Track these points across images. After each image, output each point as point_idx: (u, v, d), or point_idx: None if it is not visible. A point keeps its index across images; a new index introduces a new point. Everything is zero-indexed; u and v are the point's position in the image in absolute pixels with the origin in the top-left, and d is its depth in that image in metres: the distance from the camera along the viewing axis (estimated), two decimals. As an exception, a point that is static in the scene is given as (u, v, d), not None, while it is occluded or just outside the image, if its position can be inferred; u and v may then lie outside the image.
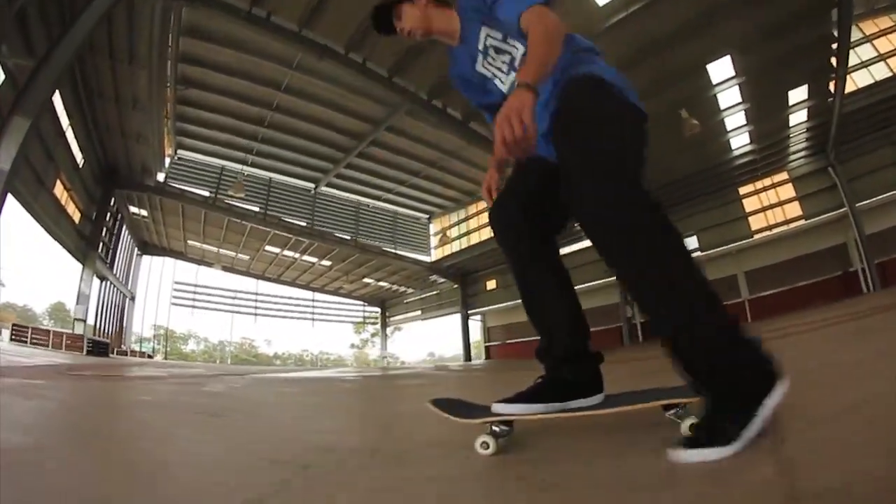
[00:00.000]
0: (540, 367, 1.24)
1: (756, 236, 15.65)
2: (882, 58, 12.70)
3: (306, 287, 26.02)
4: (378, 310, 28.65)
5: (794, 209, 15.08)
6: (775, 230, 15.31)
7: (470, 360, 21.27)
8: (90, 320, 15.76)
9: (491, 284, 21.72)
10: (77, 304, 14.85)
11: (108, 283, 18.02)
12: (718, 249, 15.96)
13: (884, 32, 12.97)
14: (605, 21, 9.54)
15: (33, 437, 1.32)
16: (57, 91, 10.13)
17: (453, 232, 20.98)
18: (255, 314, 25.60)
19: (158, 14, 9.55)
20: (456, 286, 22.74)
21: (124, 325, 20.96)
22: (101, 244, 15.81)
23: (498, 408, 1.14)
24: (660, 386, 1.22)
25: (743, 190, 16.00)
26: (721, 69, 11.37)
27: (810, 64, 10.73)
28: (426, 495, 0.84)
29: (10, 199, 9.64)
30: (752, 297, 15.17)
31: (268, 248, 20.82)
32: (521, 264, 1.26)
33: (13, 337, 12.20)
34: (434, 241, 22.35)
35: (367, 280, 24.56)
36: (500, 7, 1.18)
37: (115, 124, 13.38)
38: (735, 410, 0.86)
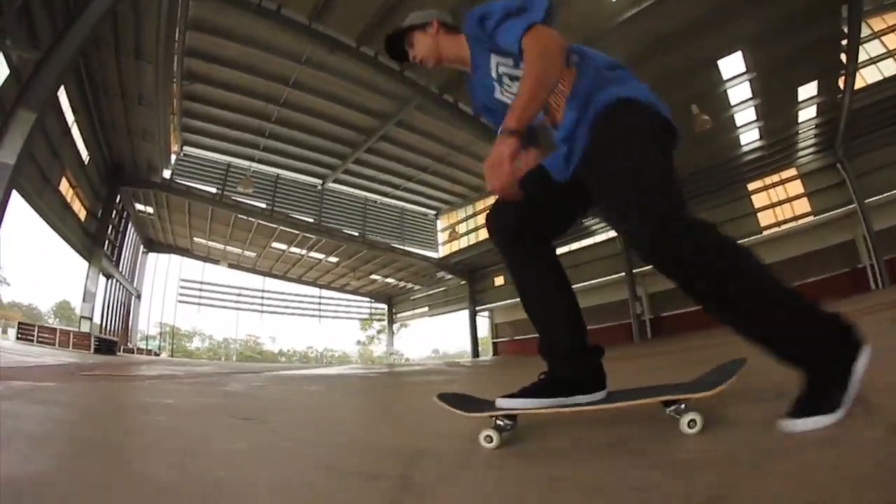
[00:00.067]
0: (544, 364, 1.25)
1: (765, 232, 15.44)
2: (891, 54, 12.46)
3: (313, 284, 25.75)
4: (385, 306, 28.38)
5: (803, 205, 14.90)
6: (784, 226, 15.09)
7: (478, 356, 21.01)
8: (96, 318, 15.48)
9: (499, 280, 21.51)
10: (83, 301, 14.57)
11: (114, 280, 17.72)
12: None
13: (892, 29, 12.71)
14: (616, 17, 9.39)
15: (53, 457, 1.06)
16: (62, 87, 9.87)
17: (462, 228, 20.71)
18: (262, 311, 25.31)
19: (165, 7, 9.25)
20: (464, 282, 22.47)
21: (130, 322, 20.67)
22: (106, 242, 15.52)
23: (502, 402, 1.16)
24: (663, 383, 1.22)
25: (752, 186, 15.80)
26: (732, 65, 11.19)
27: (820, 60, 10.62)
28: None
29: (15, 196, 9.41)
30: (759, 293, 14.85)
31: (274, 244, 20.52)
32: (517, 266, 1.28)
33: (19, 335, 11.90)
34: (442, 237, 22.04)
35: (374, 276, 24.28)
36: (500, 35, 1.16)
37: (120, 121, 13.06)
38: (833, 378, 0.91)
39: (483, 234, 19.98)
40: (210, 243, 21.24)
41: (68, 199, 12.70)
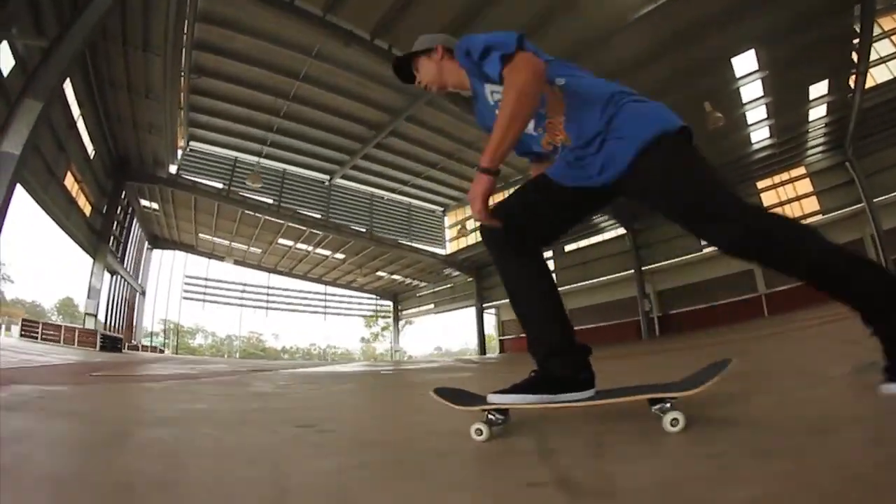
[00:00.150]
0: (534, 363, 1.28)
1: None
2: (901, 54, 12.32)
3: (318, 280, 25.33)
4: (390, 303, 27.97)
5: (812, 204, 14.74)
6: (793, 225, 14.81)
7: (485, 353, 20.63)
8: (101, 315, 15.06)
9: (507, 278, 21.00)
10: (88, 298, 14.17)
11: (119, 277, 17.29)
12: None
13: (903, 29, 12.57)
14: (634, 12, 9.15)
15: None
16: (68, 80, 9.48)
17: (470, 224, 20.32)
18: (267, 308, 24.86)
19: (175, -2, 8.84)
20: (470, 279, 22.07)
21: (134, 319, 20.24)
22: (111, 238, 15.09)
23: (493, 398, 1.19)
24: (661, 381, 1.24)
25: (761, 184, 15.57)
26: (745, 63, 11.01)
27: (831, 59, 10.49)
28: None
29: (19, 191, 9.01)
30: (768, 291, 14.65)
31: (281, 240, 20.10)
32: (509, 269, 1.31)
33: (23, 333, 11.47)
34: (449, 233, 21.61)
35: (380, 273, 23.86)
36: (486, 66, 1.19)
37: (126, 114, 12.66)
38: None
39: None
40: (215, 239, 20.82)
41: (73, 194, 12.31)
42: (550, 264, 19.65)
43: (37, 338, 11.43)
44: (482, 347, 21.23)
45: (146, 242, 21.08)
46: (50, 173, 10.62)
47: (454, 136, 14.53)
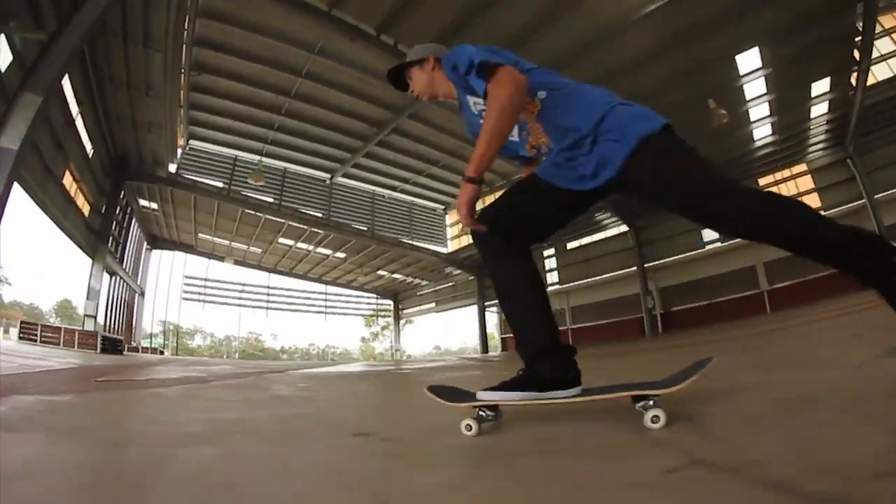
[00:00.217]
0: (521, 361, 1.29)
1: None
2: (902, 51, 12.29)
3: (319, 280, 24.96)
4: (391, 302, 27.62)
5: (813, 201, 14.62)
6: (795, 221, 14.72)
7: (487, 351, 20.36)
8: (100, 317, 14.67)
9: (509, 276, 20.79)
10: (87, 300, 13.78)
11: (118, 278, 16.89)
12: (738, 240, 15.31)
13: (904, 26, 12.55)
14: (639, 10, 8.99)
15: None
16: (67, 76, 9.15)
17: (471, 223, 20.04)
18: (267, 308, 24.47)
19: (177, -8, 8.54)
20: (472, 277, 21.76)
21: (134, 321, 19.81)
22: (110, 238, 14.70)
23: (483, 395, 1.23)
24: (641, 380, 1.28)
25: (763, 181, 15.48)
26: (749, 60, 10.92)
27: (834, 57, 10.45)
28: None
29: (17, 190, 8.67)
30: (770, 287, 14.53)
31: (281, 240, 19.74)
32: (498, 270, 1.33)
33: (22, 335, 11.07)
34: (450, 232, 21.31)
35: (381, 272, 23.53)
36: (471, 81, 1.22)
37: (125, 112, 12.30)
38: None
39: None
40: (215, 239, 20.44)
41: (72, 194, 11.95)
42: (552, 262, 19.87)
43: (36, 340, 11.05)
44: (484, 346, 20.96)
45: (145, 243, 20.67)
46: (48, 172, 10.27)
47: (457, 133, 14.26)
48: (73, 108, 10.75)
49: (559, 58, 10.01)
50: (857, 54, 10.21)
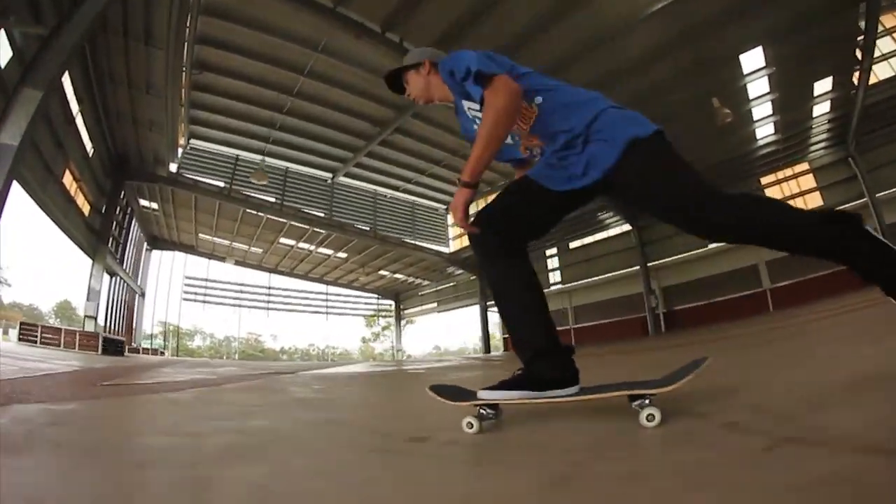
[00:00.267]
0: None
1: None
2: (903, 51, 12.24)
3: (320, 280, 24.67)
4: (392, 302, 27.35)
5: (815, 199, 14.54)
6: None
7: (489, 351, 20.12)
8: (100, 317, 14.38)
9: (511, 275, 20.59)
10: (87, 300, 13.49)
11: (118, 278, 16.59)
12: (736, 241, 15.25)
13: (906, 25, 12.50)
14: (645, 9, 8.88)
15: None
16: (67, 73, 8.92)
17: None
18: (268, 308, 24.17)
19: (179, -11, 8.32)
20: (473, 277, 21.48)
21: (134, 321, 19.50)
22: (111, 238, 14.42)
23: (483, 394, 1.24)
24: (639, 379, 1.27)
25: (765, 180, 15.37)
26: (753, 59, 10.85)
27: (836, 56, 10.41)
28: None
29: (17, 190, 8.41)
30: (773, 286, 14.42)
31: (283, 240, 19.47)
32: (495, 273, 1.32)
33: (21, 337, 10.78)
34: (452, 231, 21.07)
35: (382, 272, 23.27)
36: (468, 87, 1.23)
37: (126, 111, 12.05)
38: None
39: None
40: (216, 240, 20.16)
41: (72, 193, 11.69)
42: (555, 261, 19.69)
43: (36, 341, 10.76)
44: (486, 345, 20.73)
45: (145, 243, 20.39)
46: (48, 171, 10.03)
47: (459, 132, 14.07)
48: (74, 106, 10.51)
49: (565, 56, 9.86)
50: (859, 53, 10.15)
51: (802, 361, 2.06)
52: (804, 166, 14.79)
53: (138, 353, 16.73)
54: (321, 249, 20.36)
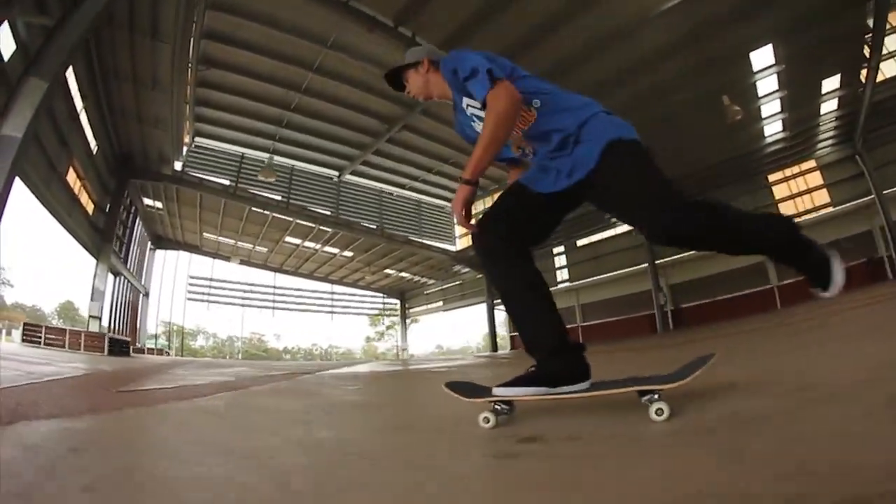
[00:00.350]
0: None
1: None
2: (911, 48, 12.07)
3: (325, 279, 24.25)
4: (397, 301, 26.92)
5: (823, 196, 14.32)
6: (804, 217, 14.44)
7: (496, 349, 19.76)
8: (104, 318, 13.94)
9: (519, 274, 20.27)
10: (92, 300, 13.07)
11: (122, 278, 16.15)
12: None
13: (913, 23, 12.34)
14: (658, 6, 8.71)
15: None
16: (71, 69, 8.53)
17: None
18: (273, 308, 23.71)
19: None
20: (480, 276, 21.08)
21: (138, 321, 19.04)
22: (115, 238, 13.99)
23: (498, 391, 1.26)
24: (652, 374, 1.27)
25: (772, 177, 15.17)
26: (762, 57, 10.72)
27: (844, 54, 10.29)
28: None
29: (20, 188, 8.03)
30: (780, 283, 14.18)
31: (288, 238, 19.05)
32: (502, 276, 1.32)
33: (25, 338, 10.35)
34: (459, 229, 20.68)
35: (388, 271, 22.89)
36: (471, 87, 1.27)
37: (131, 107, 11.65)
38: (827, 271, 1.25)
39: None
40: (220, 239, 19.75)
41: (76, 191, 11.28)
42: (562, 259, 19.37)
43: (39, 342, 10.33)
44: (493, 344, 20.36)
45: (149, 243, 19.94)
46: (52, 168, 9.64)
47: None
48: (78, 102, 10.12)
49: (576, 54, 9.67)
50: (867, 51, 10.03)
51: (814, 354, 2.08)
52: (811, 164, 14.61)
53: (143, 353, 16.27)
54: (327, 248, 19.97)
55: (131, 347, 13.71)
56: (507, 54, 1.58)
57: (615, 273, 17.21)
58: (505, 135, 1.22)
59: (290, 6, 9.40)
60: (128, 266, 16.50)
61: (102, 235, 13.18)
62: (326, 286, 24.89)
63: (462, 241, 20.63)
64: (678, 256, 15.83)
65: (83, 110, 10.48)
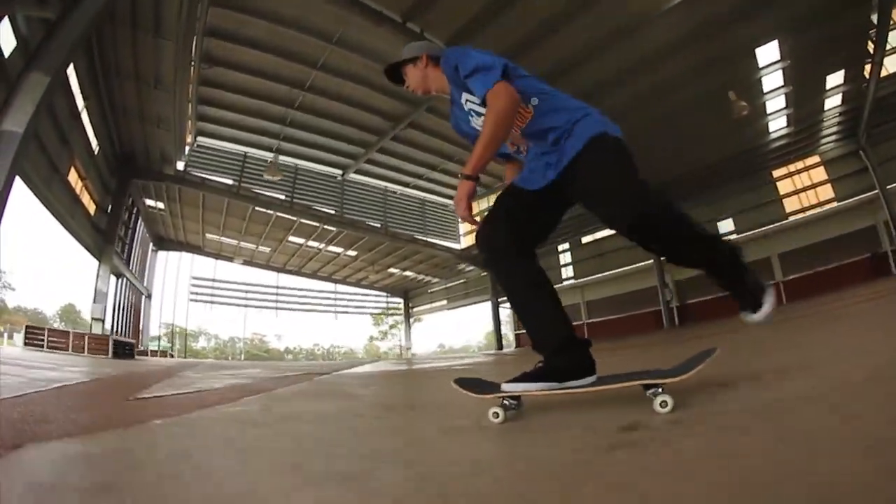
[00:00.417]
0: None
1: (790, 218, 14.72)
2: (913, 44, 11.96)
3: (328, 279, 23.93)
4: (401, 300, 26.62)
5: (827, 192, 14.23)
6: (808, 212, 14.32)
7: (501, 348, 19.51)
8: (107, 320, 13.60)
9: (525, 271, 20.02)
10: (94, 302, 12.76)
11: (125, 280, 15.82)
12: (753, 232, 14.88)
13: (917, 19, 12.23)
14: (660, 6, 8.65)
15: None
16: (72, 66, 8.25)
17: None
18: (276, 308, 23.37)
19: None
20: (484, 274, 20.81)
21: (141, 323, 18.69)
22: (117, 239, 13.66)
23: (507, 386, 1.27)
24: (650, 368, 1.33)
25: (777, 173, 15.02)
26: (768, 53, 10.64)
27: (849, 49, 10.26)
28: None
29: (21, 188, 7.75)
30: (785, 279, 14.01)
31: (291, 238, 18.75)
32: (507, 276, 1.34)
33: (27, 341, 10.03)
34: (463, 227, 20.42)
35: (392, 270, 22.60)
36: (471, 84, 1.29)
37: (133, 106, 11.35)
38: (759, 298, 1.29)
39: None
40: (223, 239, 19.42)
41: (77, 192, 10.96)
42: (567, 256, 19.14)
43: (42, 346, 10.02)
44: (499, 342, 20.10)
45: (151, 244, 19.61)
46: (53, 168, 9.35)
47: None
48: (79, 101, 9.82)
49: (583, 51, 9.51)
50: (871, 47, 9.99)
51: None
52: (815, 159, 14.53)
53: (146, 355, 15.94)
54: (330, 248, 19.68)
55: (135, 350, 13.40)
56: (510, 53, 1.48)
57: (620, 270, 17.03)
58: (505, 132, 1.24)
59: (294, 2, 9.14)
60: (130, 267, 16.18)
61: (104, 236, 12.87)
62: (330, 286, 24.59)
63: (467, 238, 20.38)
64: (683, 253, 15.63)
65: (84, 109, 10.19)
